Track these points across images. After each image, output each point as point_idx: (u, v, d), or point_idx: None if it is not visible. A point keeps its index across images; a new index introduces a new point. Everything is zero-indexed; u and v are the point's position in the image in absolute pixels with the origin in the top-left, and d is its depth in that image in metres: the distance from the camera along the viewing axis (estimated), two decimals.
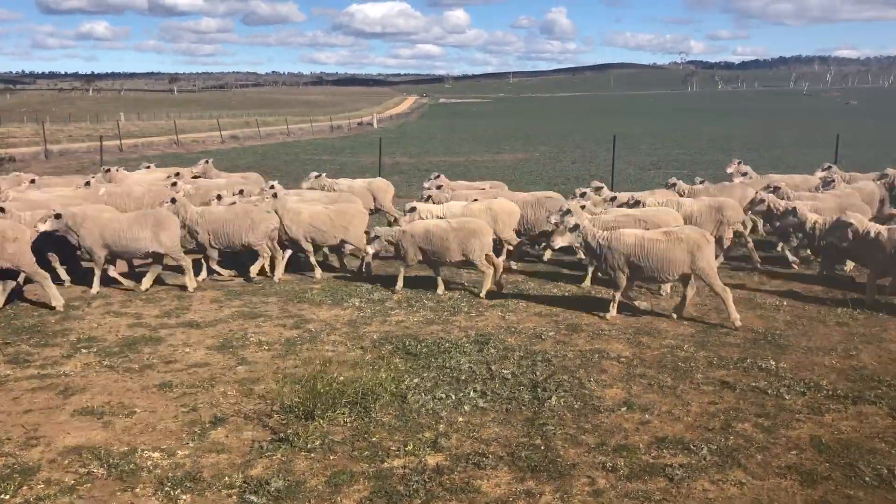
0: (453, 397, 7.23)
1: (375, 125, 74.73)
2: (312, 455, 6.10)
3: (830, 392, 7.35)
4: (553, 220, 11.21)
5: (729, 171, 16.09)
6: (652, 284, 10.95)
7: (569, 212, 11.10)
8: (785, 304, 10.64)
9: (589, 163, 33.81)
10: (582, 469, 5.88)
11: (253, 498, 5.45)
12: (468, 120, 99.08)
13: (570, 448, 6.23)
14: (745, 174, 15.71)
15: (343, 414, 6.77)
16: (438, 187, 14.14)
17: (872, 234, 10.49)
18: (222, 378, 7.82)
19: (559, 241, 10.16)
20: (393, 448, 6.21)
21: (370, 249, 11.37)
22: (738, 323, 9.44)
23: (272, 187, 12.89)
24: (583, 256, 11.82)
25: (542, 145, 46.71)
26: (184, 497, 5.48)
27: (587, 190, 13.76)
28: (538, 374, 7.84)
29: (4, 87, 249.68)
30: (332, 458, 6.06)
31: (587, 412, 6.93)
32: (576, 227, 10.04)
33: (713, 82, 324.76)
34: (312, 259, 12.33)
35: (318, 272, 12.21)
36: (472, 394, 7.32)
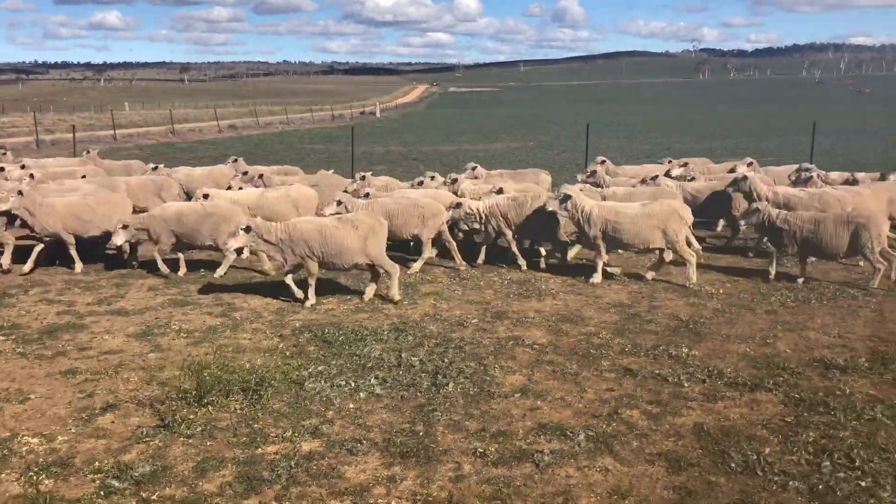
0: (352, 384, 7.24)
1: (378, 114, 74.65)
2: (191, 441, 6.13)
3: (731, 380, 7.32)
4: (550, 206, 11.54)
5: (675, 173, 14.99)
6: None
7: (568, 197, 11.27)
8: (721, 292, 10.58)
9: (581, 151, 33.62)
10: (452, 455, 5.89)
11: (115, 483, 5.49)
12: (475, 109, 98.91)
13: (449, 434, 6.24)
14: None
15: (236, 401, 6.80)
16: (475, 178, 14.69)
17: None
18: (130, 365, 7.86)
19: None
20: (273, 434, 6.24)
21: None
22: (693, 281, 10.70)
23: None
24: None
25: (541, 134, 46.54)
26: (46, 482, 5.53)
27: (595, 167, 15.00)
28: (446, 361, 7.84)
29: (17, 77, 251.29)
30: (209, 444, 6.09)
31: (480, 399, 6.93)
32: (567, 198, 11.14)
33: (725, 70, 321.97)
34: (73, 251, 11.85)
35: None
36: (372, 381, 7.33)
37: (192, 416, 6.50)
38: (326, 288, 10.68)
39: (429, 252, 12.07)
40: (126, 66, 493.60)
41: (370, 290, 10.28)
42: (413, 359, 7.90)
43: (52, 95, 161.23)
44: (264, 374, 7.19)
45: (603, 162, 15.43)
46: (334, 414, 6.63)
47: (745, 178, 12.84)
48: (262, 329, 9.05)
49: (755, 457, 5.76)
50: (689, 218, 11.16)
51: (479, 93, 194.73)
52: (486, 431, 6.27)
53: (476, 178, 14.84)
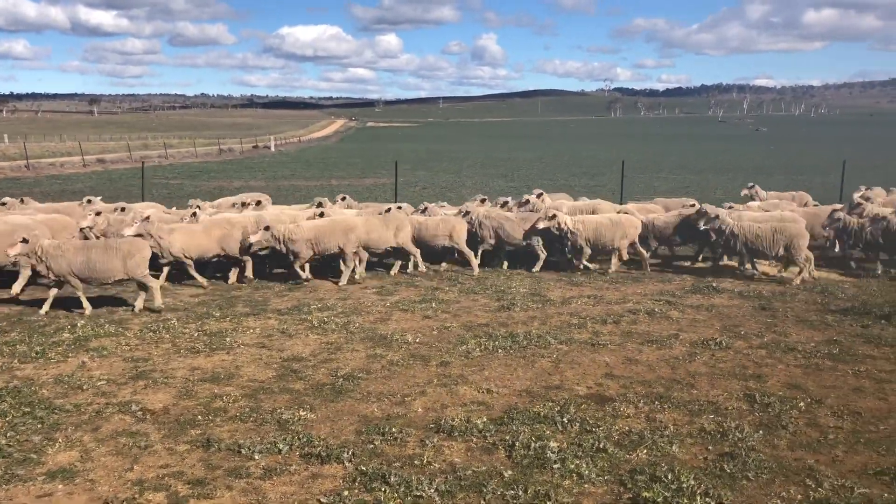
0: None
1: (273, 149, 73.41)
2: None
3: None
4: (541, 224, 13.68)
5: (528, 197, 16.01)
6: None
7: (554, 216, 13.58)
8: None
9: (461, 186, 33.79)
10: None
11: None
12: (385, 143, 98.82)
13: None
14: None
15: None
16: (482, 200, 15.65)
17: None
18: None
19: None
20: None
21: None
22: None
23: None
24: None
25: (424, 170, 46.59)
26: None
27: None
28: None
29: None
30: None
31: None
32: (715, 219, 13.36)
33: (636, 109, 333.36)
34: None
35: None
36: None
37: None
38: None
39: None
40: (34, 97, 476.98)
41: None
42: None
43: None
44: None
45: (540, 195, 15.99)
46: None
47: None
48: None
49: None
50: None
51: (396, 128, 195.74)
52: None
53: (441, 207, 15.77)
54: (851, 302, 11.63)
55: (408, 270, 13.86)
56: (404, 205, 15.63)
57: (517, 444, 6.38)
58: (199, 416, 7.04)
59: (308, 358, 8.83)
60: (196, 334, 9.78)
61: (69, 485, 5.68)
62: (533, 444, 6.36)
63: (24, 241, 10.45)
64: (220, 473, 5.90)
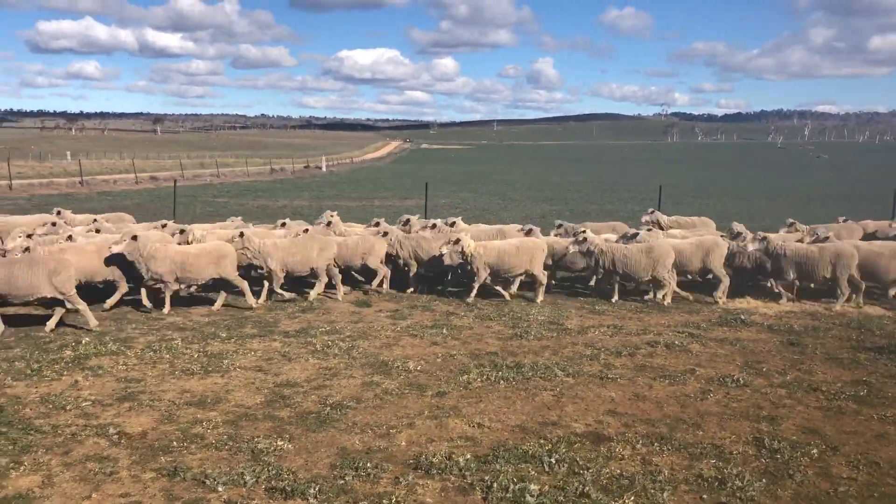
0: None
1: (325, 169, 74.17)
2: None
3: None
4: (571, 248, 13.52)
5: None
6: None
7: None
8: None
9: (501, 209, 33.45)
10: None
11: None
12: (436, 165, 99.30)
13: None
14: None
15: None
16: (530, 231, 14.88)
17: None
18: None
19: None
20: None
21: None
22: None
23: None
24: None
25: (480, 192, 46.40)
26: None
27: None
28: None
29: None
30: None
31: None
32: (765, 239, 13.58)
33: (693, 133, 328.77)
34: None
35: None
36: None
37: None
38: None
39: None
40: (102, 115, 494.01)
41: None
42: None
43: (20, 143, 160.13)
44: None
45: (560, 226, 15.88)
46: None
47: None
48: None
49: None
50: None
51: (450, 150, 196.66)
52: None
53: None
54: (889, 339, 10.89)
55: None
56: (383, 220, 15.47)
57: (496, 485, 5.98)
58: (175, 443, 6.81)
59: (301, 384, 8.57)
60: (196, 355, 9.61)
61: None
62: (512, 486, 5.95)
63: None
64: None
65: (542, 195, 44.31)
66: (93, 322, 10.78)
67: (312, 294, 13.08)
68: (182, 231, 13.19)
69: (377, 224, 15.26)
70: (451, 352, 10.00)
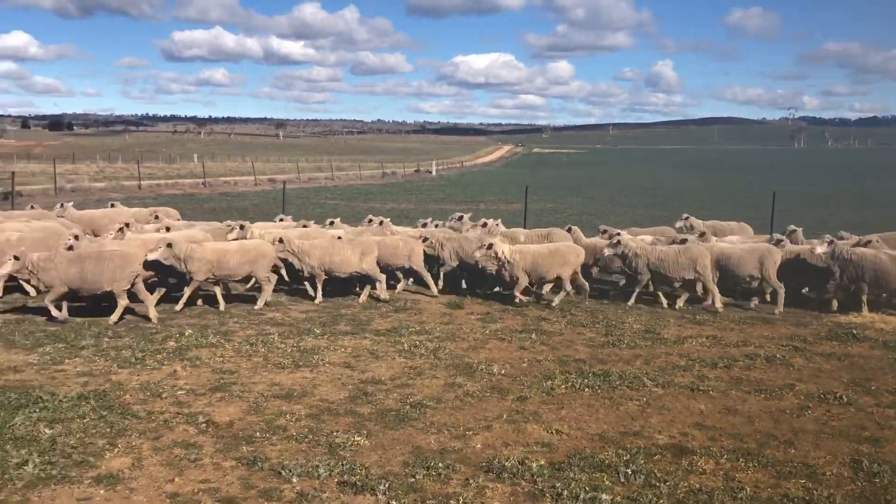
0: None
1: (434, 173, 74.97)
2: None
3: None
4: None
5: None
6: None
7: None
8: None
9: (609, 213, 32.81)
10: None
11: None
12: (547, 169, 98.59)
13: None
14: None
15: None
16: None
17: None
18: None
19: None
20: None
21: None
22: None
23: None
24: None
25: (589, 196, 45.74)
26: None
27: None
28: None
29: (124, 129, 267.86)
30: None
31: None
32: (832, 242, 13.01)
33: (823, 139, 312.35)
34: None
35: None
36: None
37: None
38: None
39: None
40: (229, 120, 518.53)
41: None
42: None
43: (153, 146, 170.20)
44: None
45: (604, 231, 15.28)
46: None
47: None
48: None
49: None
50: None
51: (562, 154, 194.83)
52: None
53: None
54: None
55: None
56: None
57: (566, 493, 5.87)
58: (258, 433, 7.05)
59: (385, 381, 8.69)
60: (290, 350, 9.93)
61: (109, 491, 5.81)
62: (583, 495, 5.83)
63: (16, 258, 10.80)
64: (253, 494, 5.83)
65: (654, 200, 43.17)
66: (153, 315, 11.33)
67: (383, 294, 13.22)
68: (242, 227, 13.66)
69: (424, 225, 15.65)
70: (538, 357, 9.89)
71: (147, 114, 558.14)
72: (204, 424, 7.24)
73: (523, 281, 12.95)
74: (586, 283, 13.57)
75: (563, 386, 8.64)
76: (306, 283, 13.31)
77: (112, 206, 18.10)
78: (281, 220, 16.04)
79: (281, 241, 12.70)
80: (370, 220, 15.65)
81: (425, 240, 14.08)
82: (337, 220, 15.92)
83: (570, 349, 10.37)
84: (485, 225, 15.13)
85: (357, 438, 6.95)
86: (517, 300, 13.00)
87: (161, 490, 5.86)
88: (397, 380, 8.78)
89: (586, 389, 8.55)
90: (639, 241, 13.68)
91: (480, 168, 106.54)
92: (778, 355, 10.12)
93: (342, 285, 13.50)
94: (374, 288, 13.32)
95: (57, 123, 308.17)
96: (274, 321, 11.59)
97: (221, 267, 12.02)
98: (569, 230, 14.92)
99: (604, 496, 5.82)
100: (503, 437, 7.10)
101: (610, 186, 58.61)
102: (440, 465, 6.38)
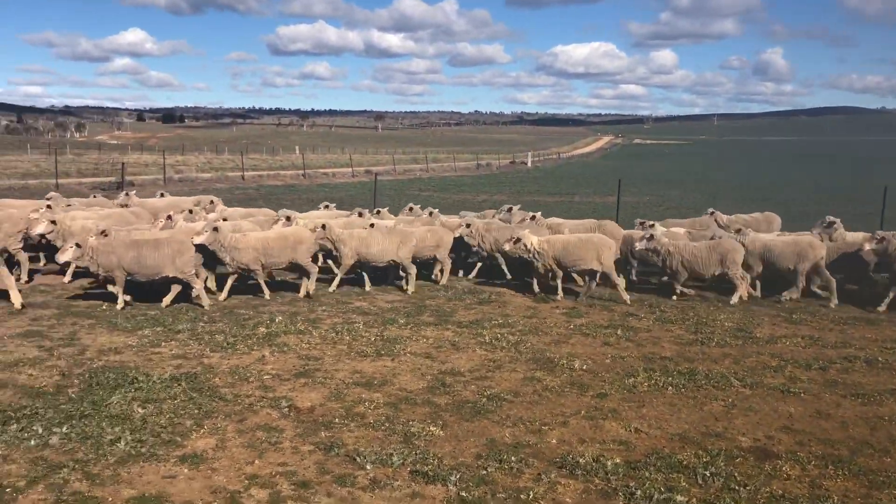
0: None
1: (529, 164, 74.46)
2: None
3: None
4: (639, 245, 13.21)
5: None
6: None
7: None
8: None
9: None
10: None
11: None
12: (649, 161, 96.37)
13: None
14: None
15: None
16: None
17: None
18: None
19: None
20: None
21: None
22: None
23: None
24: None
25: (690, 189, 44.49)
26: None
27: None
28: None
29: (231, 121, 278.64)
30: None
31: None
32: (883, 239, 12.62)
33: None
34: None
35: None
36: None
37: None
38: None
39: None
40: (330, 113, 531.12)
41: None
42: None
43: (258, 138, 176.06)
44: None
45: (642, 223, 14.94)
46: None
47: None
48: None
49: None
50: None
51: (664, 145, 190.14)
52: None
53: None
54: None
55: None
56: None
57: (639, 492, 5.75)
58: (337, 419, 7.22)
59: (464, 373, 8.73)
60: (373, 339, 10.10)
61: (193, 470, 6.07)
62: (657, 496, 5.70)
63: (77, 246, 11.28)
64: (328, 479, 5.98)
65: (758, 194, 41.53)
66: (206, 301, 11.64)
67: (410, 287, 13.38)
68: (288, 218, 13.92)
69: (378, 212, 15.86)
70: (622, 353, 9.72)
71: (253, 107, 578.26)
72: (286, 409, 7.46)
73: (558, 271, 12.93)
74: (619, 280, 12.99)
75: (645, 383, 8.46)
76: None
77: (161, 195, 18.50)
78: (326, 206, 16.85)
79: (324, 226, 12.99)
80: (410, 209, 16.26)
81: (468, 226, 14.20)
82: (384, 210, 16.20)
83: (656, 346, 10.14)
84: (534, 218, 14.99)
85: (432, 428, 7.01)
86: (559, 296, 12.92)
87: (241, 471, 6.07)
88: (476, 372, 8.80)
89: (670, 388, 8.34)
90: (672, 233, 13.69)
91: (578, 159, 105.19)
92: (880, 358, 9.60)
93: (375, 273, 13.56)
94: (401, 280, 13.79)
95: (170, 116, 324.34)
96: (360, 310, 11.82)
97: (268, 255, 12.35)
98: (642, 224, 14.53)
99: (679, 497, 5.68)
100: (579, 434, 7.02)
101: (713, 180, 56.74)
102: (513, 458, 6.37)
